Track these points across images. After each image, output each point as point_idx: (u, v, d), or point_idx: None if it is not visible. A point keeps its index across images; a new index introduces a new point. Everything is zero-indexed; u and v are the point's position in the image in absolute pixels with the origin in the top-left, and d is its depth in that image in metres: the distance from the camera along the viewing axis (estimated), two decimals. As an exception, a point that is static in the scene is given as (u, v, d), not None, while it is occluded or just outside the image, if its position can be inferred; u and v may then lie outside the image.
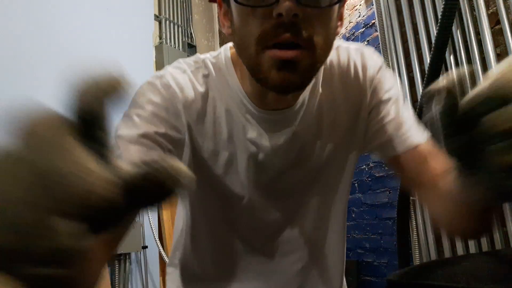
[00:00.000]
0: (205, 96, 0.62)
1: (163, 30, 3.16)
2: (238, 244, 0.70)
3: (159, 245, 2.37)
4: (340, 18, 0.58)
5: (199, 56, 0.66)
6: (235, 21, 0.54)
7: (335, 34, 0.56)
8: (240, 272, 0.71)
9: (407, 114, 0.64)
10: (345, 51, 0.65)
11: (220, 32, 3.89)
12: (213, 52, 0.67)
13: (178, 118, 0.60)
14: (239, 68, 0.62)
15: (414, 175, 0.62)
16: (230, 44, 0.63)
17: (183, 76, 0.62)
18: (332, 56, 0.64)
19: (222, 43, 3.75)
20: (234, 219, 0.68)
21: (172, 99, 0.60)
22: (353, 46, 0.67)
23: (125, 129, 0.56)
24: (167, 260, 2.37)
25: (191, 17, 3.53)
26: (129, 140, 0.55)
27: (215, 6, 3.96)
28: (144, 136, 0.56)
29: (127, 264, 2.24)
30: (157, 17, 3.14)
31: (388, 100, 0.64)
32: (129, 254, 2.25)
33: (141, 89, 0.61)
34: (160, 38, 3.16)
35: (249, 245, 0.70)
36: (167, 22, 3.21)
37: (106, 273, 2.07)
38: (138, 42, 2.65)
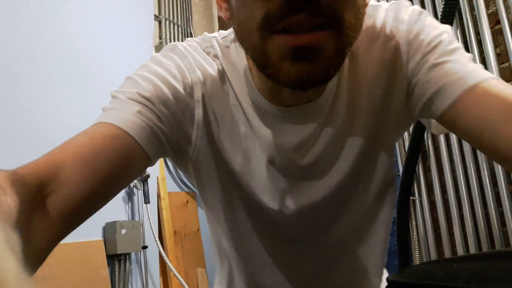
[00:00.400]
0: (222, 74, 0.53)
1: (163, 30, 3.16)
2: (264, 257, 0.61)
3: (159, 245, 2.37)
4: None
5: (207, 34, 0.57)
6: (232, 0, 0.44)
7: (365, 7, 0.44)
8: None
9: (459, 57, 0.47)
10: (371, 15, 0.51)
11: (220, 32, 3.88)
12: (224, 32, 0.56)
13: (190, 93, 0.51)
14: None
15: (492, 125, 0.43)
16: None
17: (195, 53, 0.54)
18: None
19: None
20: (258, 225, 0.59)
21: (187, 68, 0.52)
22: (383, 4, 0.53)
23: (124, 88, 0.49)
24: (167, 260, 2.37)
25: (191, 17, 3.53)
26: (127, 96, 0.48)
27: (215, 6, 3.95)
28: (146, 98, 0.48)
29: (127, 264, 2.24)
30: (157, 17, 3.14)
31: (431, 50, 0.48)
32: (129, 254, 2.25)
33: (152, 57, 0.53)
34: (160, 38, 3.15)
35: (276, 259, 0.61)
36: (167, 22, 3.21)
37: (106, 273, 2.07)
38: (138, 42, 2.65)
